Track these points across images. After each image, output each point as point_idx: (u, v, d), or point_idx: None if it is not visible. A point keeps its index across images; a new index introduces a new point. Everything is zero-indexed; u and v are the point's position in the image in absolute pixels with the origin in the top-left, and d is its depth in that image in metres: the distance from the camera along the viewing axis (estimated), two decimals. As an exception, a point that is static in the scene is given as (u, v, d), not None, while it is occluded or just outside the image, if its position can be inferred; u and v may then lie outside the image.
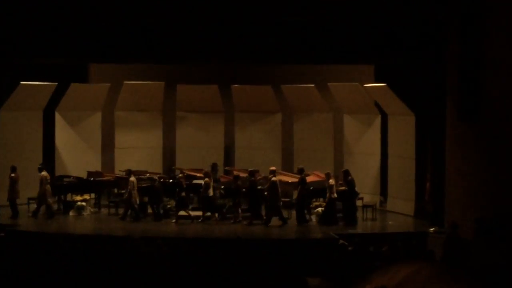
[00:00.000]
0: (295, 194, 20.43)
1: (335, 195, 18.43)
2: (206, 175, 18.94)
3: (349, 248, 14.03)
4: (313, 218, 19.04)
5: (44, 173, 19.24)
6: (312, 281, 10.06)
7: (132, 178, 19.22)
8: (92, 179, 20.47)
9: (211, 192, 18.70)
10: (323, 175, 20.27)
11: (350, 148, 22.03)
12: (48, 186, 19.17)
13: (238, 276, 12.07)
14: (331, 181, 18.48)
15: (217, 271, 12.12)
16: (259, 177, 19.62)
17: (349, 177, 18.72)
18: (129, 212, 19.02)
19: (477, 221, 15.52)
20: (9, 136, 21.23)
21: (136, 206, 19.04)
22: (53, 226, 18.53)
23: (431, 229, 17.25)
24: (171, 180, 19.93)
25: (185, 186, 19.02)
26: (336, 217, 18.54)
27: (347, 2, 17.95)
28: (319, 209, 19.10)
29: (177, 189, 19.00)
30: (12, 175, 19.31)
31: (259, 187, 19.18)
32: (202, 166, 20.92)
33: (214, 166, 20.44)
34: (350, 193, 18.70)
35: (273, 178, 18.46)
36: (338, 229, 17.69)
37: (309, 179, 19.88)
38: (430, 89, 18.76)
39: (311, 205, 19.55)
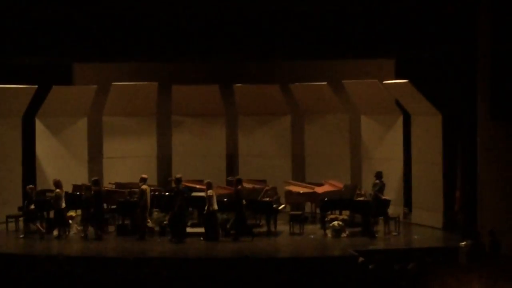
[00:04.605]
0: (307, 206, 20.55)
1: (215, 207, 18.50)
2: (57, 185, 19.19)
3: (370, 267, 13.99)
4: (329, 232, 19.02)
5: (144, 186, 19.16)
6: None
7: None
8: (78, 193, 20.42)
9: (63, 205, 19.06)
10: (339, 184, 20.29)
11: (369, 153, 21.99)
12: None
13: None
14: (210, 192, 18.55)
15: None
16: (267, 188, 19.64)
17: (239, 186, 18.67)
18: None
19: (490, 233, 15.88)
20: (-17, 146, 21.28)
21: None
22: (36, 247, 18.48)
23: (463, 243, 17.17)
24: (167, 193, 19.90)
25: (34, 199, 19.27)
26: (218, 232, 18.62)
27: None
28: (335, 222, 19.07)
29: (25, 201, 19.34)
30: None
31: (267, 199, 19.21)
32: (202, 176, 20.88)
33: None
34: (238, 204, 18.57)
35: (143, 186, 18.88)
36: (351, 245, 17.69)
37: (323, 189, 19.89)
38: (458, 85, 18.72)
39: (326, 219, 19.50)
